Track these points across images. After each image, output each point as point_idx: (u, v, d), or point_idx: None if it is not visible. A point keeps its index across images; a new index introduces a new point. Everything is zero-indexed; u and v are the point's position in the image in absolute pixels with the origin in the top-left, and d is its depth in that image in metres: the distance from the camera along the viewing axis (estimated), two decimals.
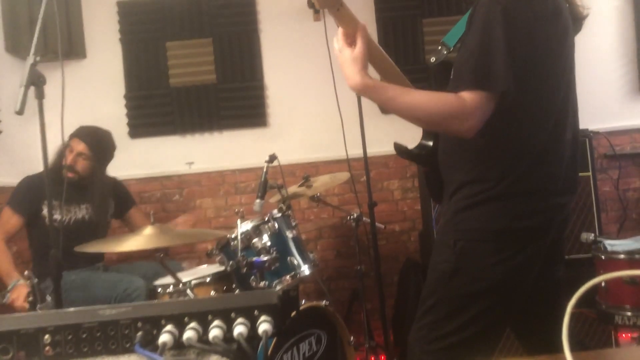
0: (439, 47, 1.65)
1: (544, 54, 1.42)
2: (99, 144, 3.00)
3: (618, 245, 2.51)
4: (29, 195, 2.82)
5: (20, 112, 1.81)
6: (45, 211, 2.70)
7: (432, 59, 1.66)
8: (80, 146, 2.91)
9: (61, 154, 2.90)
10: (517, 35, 1.36)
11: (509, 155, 1.46)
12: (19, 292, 2.55)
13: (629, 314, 2.34)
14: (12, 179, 3.27)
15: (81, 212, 2.98)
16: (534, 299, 1.55)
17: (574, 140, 1.54)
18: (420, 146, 1.73)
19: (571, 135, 1.53)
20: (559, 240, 1.60)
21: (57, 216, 2.82)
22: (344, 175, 3.05)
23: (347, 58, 1.45)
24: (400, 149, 1.71)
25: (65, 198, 2.80)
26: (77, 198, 2.95)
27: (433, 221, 2.98)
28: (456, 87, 1.40)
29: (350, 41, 1.47)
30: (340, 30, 1.49)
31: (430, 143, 1.70)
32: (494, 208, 1.45)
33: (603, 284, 2.40)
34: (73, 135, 2.94)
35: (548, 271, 1.58)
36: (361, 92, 1.45)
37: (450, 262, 1.49)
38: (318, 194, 3.08)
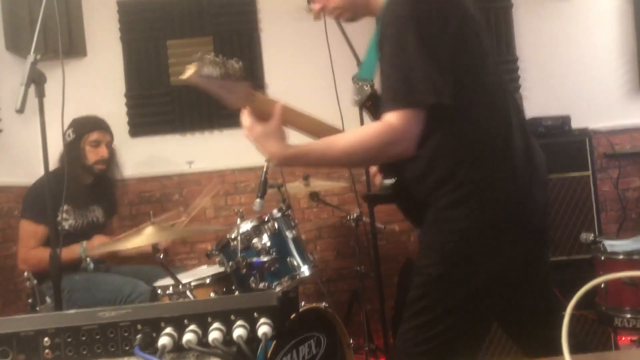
0: (358, 85, 1.63)
1: (469, 51, 1.41)
2: (109, 127, 3.08)
3: (618, 245, 2.50)
4: (45, 203, 2.82)
5: (20, 111, 1.81)
6: (60, 217, 2.68)
7: (356, 98, 1.65)
8: (107, 137, 2.96)
9: (77, 152, 2.87)
10: (435, 42, 1.34)
11: (475, 160, 1.44)
12: (92, 245, 2.71)
13: (628, 316, 2.34)
14: (12, 179, 3.27)
15: (91, 214, 2.98)
16: (524, 293, 1.55)
17: (521, 126, 1.51)
18: (383, 188, 1.71)
19: (517, 121, 1.50)
20: (542, 231, 1.58)
21: (71, 221, 2.84)
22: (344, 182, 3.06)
23: (260, 134, 1.45)
24: (370, 198, 1.71)
25: (79, 201, 2.83)
26: (88, 200, 2.95)
27: None
28: (383, 112, 1.38)
29: (268, 119, 1.47)
30: (246, 110, 1.49)
31: (393, 180, 1.67)
32: (473, 206, 1.43)
33: (602, 285, 2.40)
34: (89, 130, 2.92)
35: (534, 263, 1.57)
36: (286, 163, 1.44)
37: (438, 266, 1.47)
38: (319, 193, 3.08)
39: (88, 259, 2.73)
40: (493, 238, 1.44)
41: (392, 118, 1.35)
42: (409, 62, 1.33)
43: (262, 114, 1.49)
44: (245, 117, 1.50)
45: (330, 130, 1.63)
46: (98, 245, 2.75)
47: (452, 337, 1.45)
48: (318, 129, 1.63)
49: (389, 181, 1.69)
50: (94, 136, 2.91)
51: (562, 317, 0.78)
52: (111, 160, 3.03)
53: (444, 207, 1.47)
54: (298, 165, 1.44)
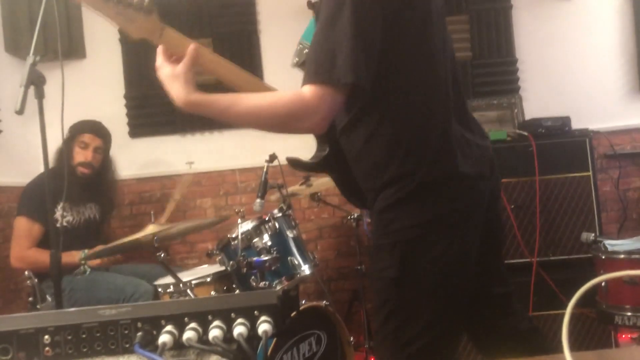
0: (299, 47, 1.58)
1: (409, 38, 1.35)
2: (108, 135, 3.08)
3: (618, 245, 2.51)
4: (42, 201, 2.82)
5: (20, 112, 1.82)
6: (58, 214, 2.69)
7: (295, 60, 1.60)
8: (96, 141, 2.94)
9: (67, 152, 2.88)
10: (368, 23, 1.27)
11: (414, 147, 1.38)
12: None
13: (629, 314, 2.34)
14: (12, 179, 3.28)
15: (88, 211, 2.98)
16: (480, 287, 1.52)
17: (461, 119, 1.46)
18: (315, 156, 1.65)
19: (459, 115, 1.45)
20: (494, 220, 1.55)
21: (69, 217, 2.84)
22: None
23: (167, 75, 1.39)
24: (293, 162, 1.64)
25: (75, 198, 2.83)
26: (85, 197, 2.96)
27: None
28: (302, 83, 1.31)
29: (179, 60, 1.40)
30: (159, 48, 1.43)
31: (325, 151, 1.61)
32: (418, 201, 1.38)
33: (603, 284, 2.41)
34: (80, 131, 2.93)
35: (487, 253, 1.53)
36: (189, 108, 1.37)
37: (394, 267, 1.40)
38: (319, 193, 3.08)
39: (87, 266, 2.72)
40: (441, 232, 1.39)
41: (306, 91, 1.28)
42: (336, 37, 1.26)
43: (178, 54, 1.41)
44: (158, 55, 1.43)
45: (256, 86, 1.55)
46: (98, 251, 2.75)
47: (431, 338, 1.40)
48: (242, 81, 1.54)
49: (322, 151, 1.63)
50: (84, 138, 2.92)
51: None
52: (100, 166, 3.00)
53: (385, 207, 1.42)
54: (200, 113, 1.37)
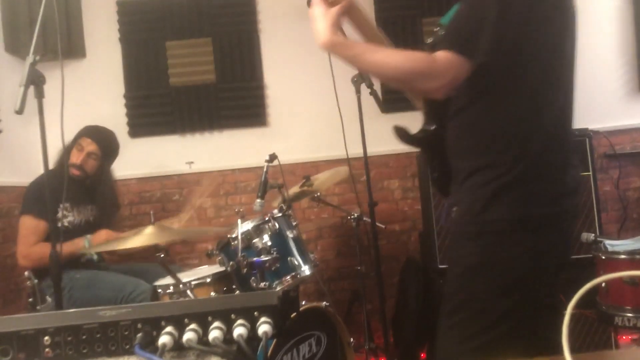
0: (436, 29, 1.64)
1: (545, 37, 1.42)
2: (109, 144, 3.04)
3: (618, 245, 2.50)
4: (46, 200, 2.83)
5: (20, 112, 1.81)
6: (60, 214, 2.68)
7: (429, 40, 1.65)
8: (91, 146, 2.93)
9: (68, 152, 2.89)
10: (512, 14, 1.35)
11: (520, 138, 1.43)
12: (99, 236, 2.74)
13: (629, 315, 2.34)
14: (12, 179, 3.27)
15: (88, 212, 2.99)
16: (550, 289, 1.52)
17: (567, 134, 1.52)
18: (422, 130, 1.69)
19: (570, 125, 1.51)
20: (572, 231, 1.57)
21: (70, 217, 2.85)
22: (344, 170, 3.05)
23: (320, 13, 1.47)
24: (400, 132, 1.68)
25: (75, 198, 2.84)
26: (85, 199, 2.96)
27: (434, 221, 2.97)
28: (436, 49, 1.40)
29: (333, 5, 1.49)
30: None
31: (432, 127, 1.65)
32: (513, 196, 1.42)
33: (603, 285, 2.40)
34: (82, 135, 2.94)
35: (564, 260, 1.54)
36: (328, 48, 1.44)
37: (475, 256, 1.44)
38: (318, 193, 3.08)
39: (92, 252, 2.75)
40: (530, 231, 1.42)
41: (439, 55, 1.36)
42: (481, 18, 1.35)
43: (335, 1, 1.51)
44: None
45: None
46: (103, 239, 2.75)
47: (499, 334, 1.40)
48: (376, 41, 1.65)
49: (428, 127, 1.67)
50: (82, 141, 2.92)
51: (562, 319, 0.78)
52: (94, 173, 2.96)
53: (479, 196, 1.45)
54: (337, 54, 1.44)
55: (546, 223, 1.43)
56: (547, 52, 1.43)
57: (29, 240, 2.76)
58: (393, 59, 1.41)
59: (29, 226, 2.77)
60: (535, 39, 1.41)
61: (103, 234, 2.80)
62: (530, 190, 1.42)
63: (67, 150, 2.88)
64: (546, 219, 1.43)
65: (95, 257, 2.76)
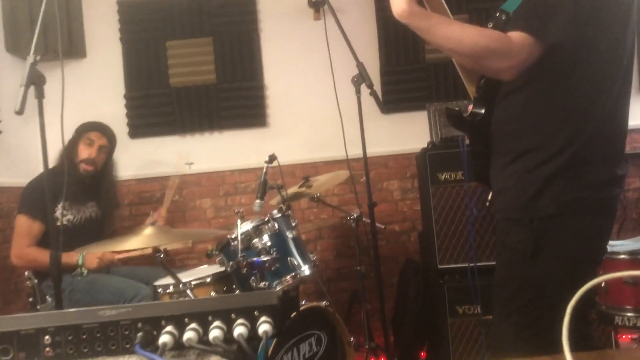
0: (497, 14, 1.64)
1: (611, 27, 1.44)
2: (115, 138, 3.10)
3: (618, 245, 2.50)
4: (43, 200, 2.82)
5: (20, 112, 1.81)
6: (58, 212, 2.68)
7: (490, 25, 1.64)
8: (102, 140, 2.96)
9: (71, 150, 2.89)
10: (585, 2, 1.38)
11: (574, 121, 1.44)
12: (91, 259, 2.72)
13: (629, 314, 2.34)
14: (12, 179, 3.28)
15: (89, 210, 2.99)
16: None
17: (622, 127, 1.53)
18: (471, 114, 1.68)
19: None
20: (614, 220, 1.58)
21: (69, 216, 2.85)
22: (344, 174, 3.05)
23: None
24: (452, 114, 1.66)
25: (76, 197, 2.84)
26: (85, 196, 2.96)
27: (433, 221, 2.97)
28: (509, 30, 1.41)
29: None
30: None
31: (482, 111, 1.64)
32: (564, 180, 1.43)
33: (603, 285, 2.40)
34: (89, 129, 2.95)
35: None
36: (405, 17, 1.44)
37: (528, 241, 1.44)
38: (318, 194, 3.08)
39: (84, 268, 2.72)
40: (582, 215, 1.43)
41: (514, 35, 1.38)
42: (556, 3, 1.37)
43: None
44: None
45: None
46: (97, 261, 2.75)
47: (558, 318, 1.41)
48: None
49: (478, 110, 1.66)
50: (90, 135, 2.94)
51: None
52: (103, 166, 3.00)
53: (531, 182, 1.45)
54: (412, 24, 1.44)
55: (596, 208, 1.44)
56: (610, 41, 1.45)
57: (22, 240, 2.76)
58: (469, 33, 1.41)
59: (24, 226, 2.78)
60: (603, 28, 1.43)
61: (98, 254, 2.78)
62: (581, 175, 1.43)
63: (71, 146, 2.89)
64: (596, 204, 1.44)
65: (85, 272, 2.72)
